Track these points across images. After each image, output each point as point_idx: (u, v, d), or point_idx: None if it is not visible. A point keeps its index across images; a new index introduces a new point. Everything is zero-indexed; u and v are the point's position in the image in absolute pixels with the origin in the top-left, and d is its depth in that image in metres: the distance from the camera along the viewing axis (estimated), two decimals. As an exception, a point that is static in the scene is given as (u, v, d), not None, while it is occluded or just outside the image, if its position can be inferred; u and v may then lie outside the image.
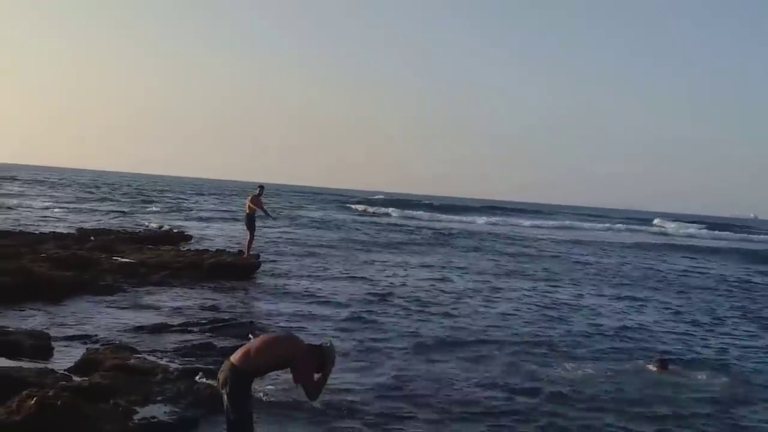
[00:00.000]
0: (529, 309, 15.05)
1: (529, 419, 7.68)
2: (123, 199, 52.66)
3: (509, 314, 14.21)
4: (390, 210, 62.20)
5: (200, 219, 37.57)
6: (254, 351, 5.20)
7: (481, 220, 59.66)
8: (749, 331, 14.32)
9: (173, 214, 40.36)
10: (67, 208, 38.22)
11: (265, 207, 19.34)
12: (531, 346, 11.25)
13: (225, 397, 5.05)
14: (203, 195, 72.53)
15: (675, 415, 8.10)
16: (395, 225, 44.57)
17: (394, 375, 9.05)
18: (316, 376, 5.31)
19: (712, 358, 11.39)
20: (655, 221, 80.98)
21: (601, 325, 13.66)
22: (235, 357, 5.18)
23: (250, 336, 5.57)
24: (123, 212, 37.99)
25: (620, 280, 22.17)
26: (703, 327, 14.42)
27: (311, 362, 5.26)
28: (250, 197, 18.99)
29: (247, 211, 18.72)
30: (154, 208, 43.92)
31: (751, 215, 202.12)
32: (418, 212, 62.63)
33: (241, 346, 5.35)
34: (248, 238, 18.28)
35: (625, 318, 14.77)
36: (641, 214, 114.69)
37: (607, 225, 66.66)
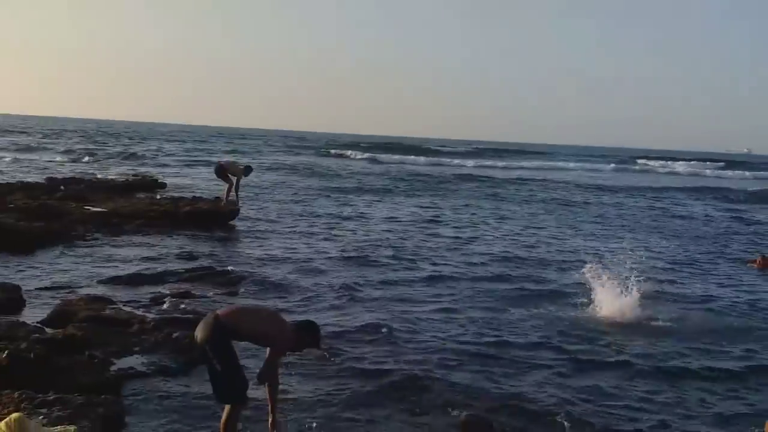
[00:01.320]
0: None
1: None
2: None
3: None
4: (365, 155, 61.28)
5: (172, 165, 36.92)
6: (243, 315, 5.16)
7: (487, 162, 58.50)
8: None
9: (140, 161, 39.52)
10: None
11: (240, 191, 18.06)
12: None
13: (207, 348, 4.86)
14: (179, 141, 71.09)
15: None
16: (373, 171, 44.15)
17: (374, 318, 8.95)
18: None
19: None
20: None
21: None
22: (221, 311, 5.09)
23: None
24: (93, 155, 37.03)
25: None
26: None
27: (290, 346, 5.23)
28: (229, 162, 18.98)
29: (222, 165, 18.27)
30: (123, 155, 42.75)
31: (745, 150, 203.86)
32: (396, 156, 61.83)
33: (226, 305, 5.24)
34: (226, 186, 17.87)
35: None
36: (633, 152, 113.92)
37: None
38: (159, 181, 24.55)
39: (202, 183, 26.53)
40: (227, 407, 5.01)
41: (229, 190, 17.66)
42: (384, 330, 8.47)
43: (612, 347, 8.49)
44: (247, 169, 18.29)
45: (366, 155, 60.56)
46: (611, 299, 9.96)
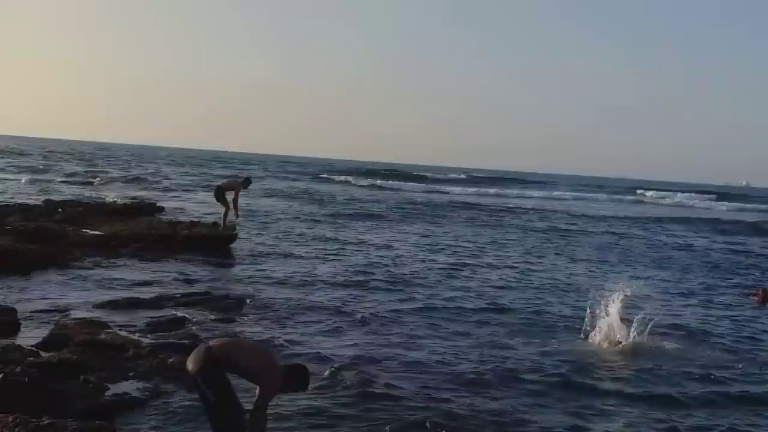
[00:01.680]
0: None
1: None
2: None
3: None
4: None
5: (170, 189, 36.91)
6: (237, 349, 5.14)
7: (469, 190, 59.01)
8: None
9: (140, 184, 39.56)
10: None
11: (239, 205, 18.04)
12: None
13: (199, 380, 4.83)
14: (176, 165, 71.17)
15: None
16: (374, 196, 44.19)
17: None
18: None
19: None
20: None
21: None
22: (214, 343, 5.09)
23: None
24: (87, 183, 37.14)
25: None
26: None
27: (277, 387, 5.12)
28: (228, 181, 19.00)
29: (221, 186, 18.30)
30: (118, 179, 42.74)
31: (743, 183, 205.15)
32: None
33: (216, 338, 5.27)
34: (223, 210, 17.87)
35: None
36: (633, 183, 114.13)
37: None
38: (157, 204, 24.52)
39: (200, 207, 26.52)
40: None
41: (226, 214, 17.66)
42: (380, 357, 8.41)
43: (610, 376, 8.46)
44: (246, 181, 18.41)
45: (367, 181, 60.83)
46: (611, 329, 9.92)
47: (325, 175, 66.24)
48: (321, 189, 47.31)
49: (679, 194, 75.01)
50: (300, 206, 31.60)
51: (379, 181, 61.50)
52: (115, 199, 25.21)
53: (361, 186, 56.95)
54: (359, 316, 10.52)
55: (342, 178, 63.79)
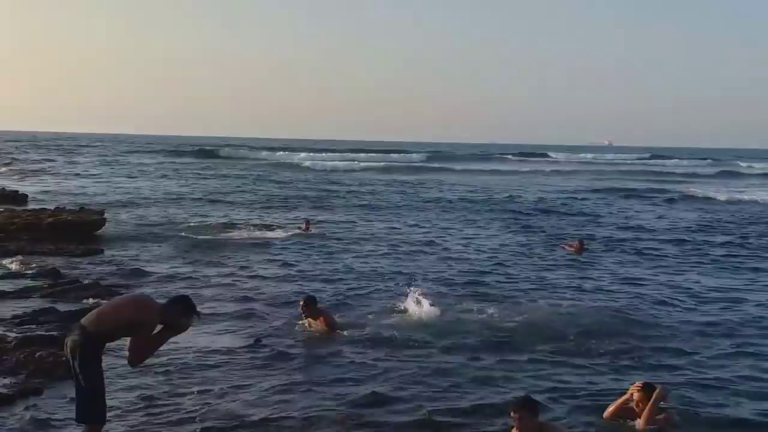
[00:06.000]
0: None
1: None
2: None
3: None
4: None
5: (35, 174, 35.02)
6: (106, 314, 5.06)
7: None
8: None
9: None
10: None
11: None
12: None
13: (75, 364, 4.85)
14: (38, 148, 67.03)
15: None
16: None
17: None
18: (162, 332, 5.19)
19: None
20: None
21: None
22: (86, 319, 5.01)
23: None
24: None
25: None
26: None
27: (158, 320, 5.13)
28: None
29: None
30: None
31: (606, 142, 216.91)
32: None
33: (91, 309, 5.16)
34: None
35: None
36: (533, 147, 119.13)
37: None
38: (19, 192, 23.27)
39: (68, 192, 25.50)
40: (85, 427, 4.99)
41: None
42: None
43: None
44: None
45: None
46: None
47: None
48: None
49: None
50: (169, 185, 30.99)
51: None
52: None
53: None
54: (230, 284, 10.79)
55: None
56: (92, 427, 4.99)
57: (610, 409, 6.11)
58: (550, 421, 5.77)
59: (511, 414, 5.24)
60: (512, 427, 5.34)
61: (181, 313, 5.23)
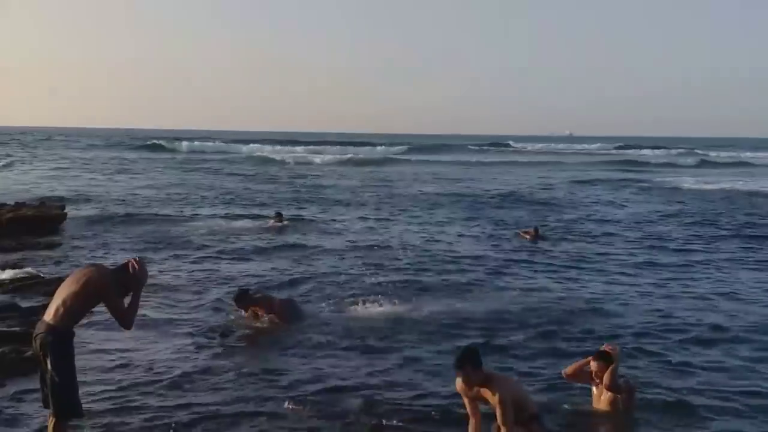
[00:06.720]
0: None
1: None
2: None
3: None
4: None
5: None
6: (65, 301, 4.94)
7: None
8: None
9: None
10: None
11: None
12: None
13: (48, 361, 4.82)
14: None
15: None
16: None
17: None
18: (127, 300, 5.15)
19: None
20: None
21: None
22: (48, 315, 4.94)
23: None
24: None
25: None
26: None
27: (118, 288, 5.08)
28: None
29: None
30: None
31: (567, 132, 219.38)
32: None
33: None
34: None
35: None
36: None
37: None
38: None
39: (25, 187, 25.10)
40: (53, 420, 4.95)
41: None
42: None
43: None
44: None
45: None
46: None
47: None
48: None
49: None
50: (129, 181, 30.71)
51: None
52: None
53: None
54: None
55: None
56: (65, 423, 5.00)
57: (570, 368, 6.19)
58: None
59: (458, 375, 5.18)
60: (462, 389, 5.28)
61: (132, 277, 5.12)
